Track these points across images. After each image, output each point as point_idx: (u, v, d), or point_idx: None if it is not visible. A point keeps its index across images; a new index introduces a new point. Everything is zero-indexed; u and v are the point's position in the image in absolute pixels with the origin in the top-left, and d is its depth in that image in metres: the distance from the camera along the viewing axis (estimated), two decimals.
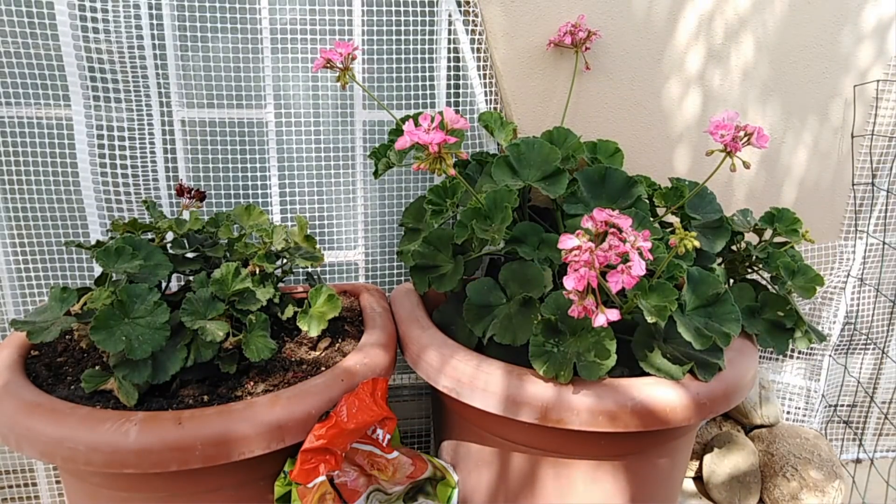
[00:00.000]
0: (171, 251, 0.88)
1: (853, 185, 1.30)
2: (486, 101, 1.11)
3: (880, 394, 1.48)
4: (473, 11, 1.05)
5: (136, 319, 0.74)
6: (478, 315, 0.89)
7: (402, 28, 1.08)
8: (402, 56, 1.10)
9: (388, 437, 0.85)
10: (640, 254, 0.68)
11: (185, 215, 0.95)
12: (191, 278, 0.85)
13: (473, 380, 0.81)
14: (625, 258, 0.68)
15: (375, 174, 1.03)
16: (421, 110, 1.11)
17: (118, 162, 1.00)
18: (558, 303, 0.81)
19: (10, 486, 1.12)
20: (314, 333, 0.87)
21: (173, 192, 1.05)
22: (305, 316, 0.88)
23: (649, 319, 0.74)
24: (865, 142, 1.27)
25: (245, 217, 0.95)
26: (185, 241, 0.91)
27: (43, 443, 0.68)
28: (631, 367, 0.83)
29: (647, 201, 0.99)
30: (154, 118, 1.03)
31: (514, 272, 0.90)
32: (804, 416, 1.40)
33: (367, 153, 1.12)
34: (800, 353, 1.38)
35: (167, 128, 1.04)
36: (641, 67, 1.14)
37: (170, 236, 0.89)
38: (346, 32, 1.06)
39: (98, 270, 1.03)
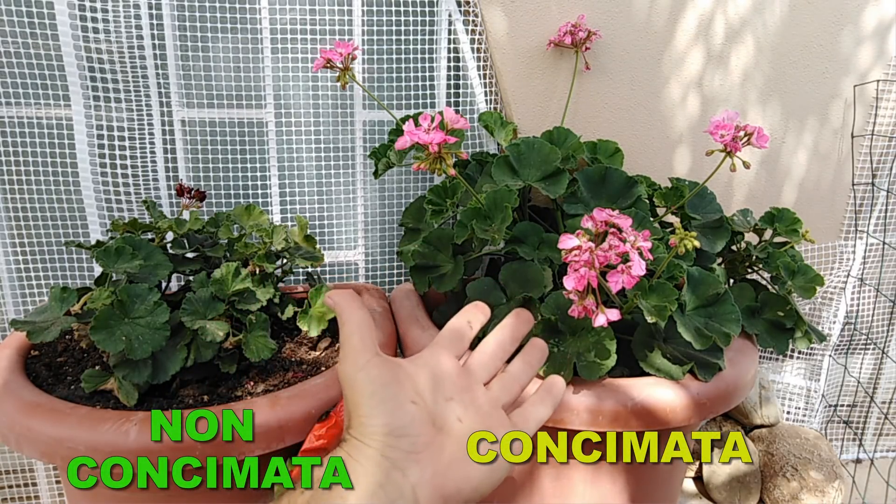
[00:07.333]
0: (171, 251, 0.88)
1: (853, 185, 1.30)
2: (486, 101, 1.11)
3: (880, 394, 1.48)
4: (473, 11, 1.05)
5: (136, 319, 0.74)
6: None
7: (402, 28, 1.08)
8: (402, 56, 1.10)
9: None
10: (640, 254, 0.68)
11: (185, 215, 0.95)
12: (191, 278, 0.85)
13: None
14: (625, 258, 0.68)
15: (375, 174, 1.03)
16: (421, 110, 1.11)
17: (118, 162, 1.00)
18: (558, 303, 0.81)
19: (10, 486, 1.12)
20: (314, 333, 0.86)
21: (173, 192, 1.05)
22: (305, 316, 0.87)
23: (649, 319, 0.74)
24: (865, 142, 1.27)
25: (245, 217, 0.95)
26: (185, 241, 0.91)
27: (43, 443, 0.68)
28: (631, 367, 0.83)
29: (647, 201, 0.99)
30: (154, 118, 1.03)
31: (514, 272, 0.89)
32: (804, 416, 1.40)
33: (367, 153, 1.12)
34: (800, 353, 1.38)
35: (167, 128, 1.04)
36: (642, 67, 1.14)
37: (170, 236, 0.89)
38: (346, 32, 1.06)
39: (98, 270, 1.02)
